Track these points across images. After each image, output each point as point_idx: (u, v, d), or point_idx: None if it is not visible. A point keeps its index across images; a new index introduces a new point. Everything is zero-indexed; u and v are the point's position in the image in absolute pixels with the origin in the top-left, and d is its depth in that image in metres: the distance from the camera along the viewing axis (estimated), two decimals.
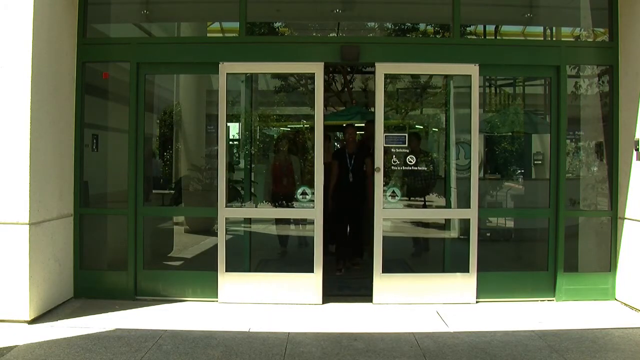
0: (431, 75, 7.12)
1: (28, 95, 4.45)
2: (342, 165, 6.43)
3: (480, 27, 6.93)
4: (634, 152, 5.11)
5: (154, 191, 5.66)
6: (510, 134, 6.07)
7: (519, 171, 8.30)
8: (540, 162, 8.80)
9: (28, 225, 4.45)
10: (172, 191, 8.00)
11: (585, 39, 6.02)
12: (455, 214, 5.98)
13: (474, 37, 6.81)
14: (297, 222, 6.96)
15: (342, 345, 4.09)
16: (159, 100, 5.29)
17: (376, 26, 8.67)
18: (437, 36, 7.31)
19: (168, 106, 8.86)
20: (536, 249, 5.79)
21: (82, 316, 4.69)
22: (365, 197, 6.27)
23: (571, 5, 6.00)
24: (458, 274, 5.30)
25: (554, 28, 6.66)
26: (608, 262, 5.39)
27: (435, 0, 6.07)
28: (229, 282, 5.19)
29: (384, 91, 5.31)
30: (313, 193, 5.28)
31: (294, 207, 5.79)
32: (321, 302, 5.18)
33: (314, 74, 5.31)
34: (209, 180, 6.93)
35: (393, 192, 5.39)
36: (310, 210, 5.30)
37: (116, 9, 5.99)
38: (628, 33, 5.27)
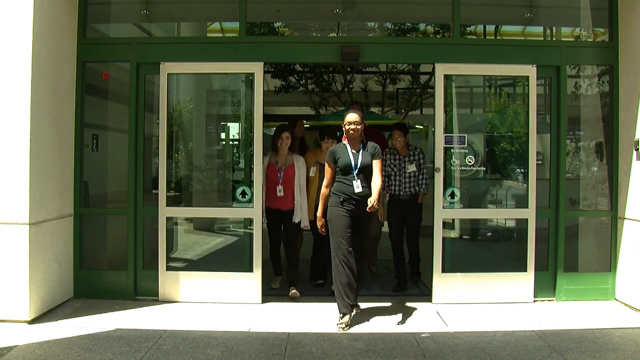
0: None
1: (28, 95, 4.45)
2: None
3: (480, 27, 6.94)
4: (634, 152, 5.11)
5: (153, 191, 5.66)
6: (510, 133, 6.05)
7: (519, 171, 8.27)
8: (540, 162, 8.79)
9: (28, 225, 4.45)
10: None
11: (585, 39, 6.02)
12: (512, 213, 5.94)
13: (474, 37, 6.82)
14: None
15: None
16: (158, 100, 5.27)
17: (376, 26, 8.67)
18: (437, 36, 7.31)
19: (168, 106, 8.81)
20: (536, 248, 5.78)
21: (82, 316, 4.70)
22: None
23: (571, 5, 5.99)
24: (516, 273, 5.32)
25: (554, 28, 6.66)
26: (608, 262, 5.39)
27: (435, 0, 6.07)
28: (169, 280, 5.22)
29: (444, 92, 5.31)
30: (252, 193, 5.28)
31: (232, 207, 5.58)
32: (260, 302, 5.20)
33: (254, 73, 5.28)
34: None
35: (452, 192, 5.37)
36: (250, 209, 5.29)
37: (116, 9, 5.99)
38: (628, 33, 5.27)
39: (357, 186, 4.53)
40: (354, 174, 4.55)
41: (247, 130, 5.56)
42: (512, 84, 6.62)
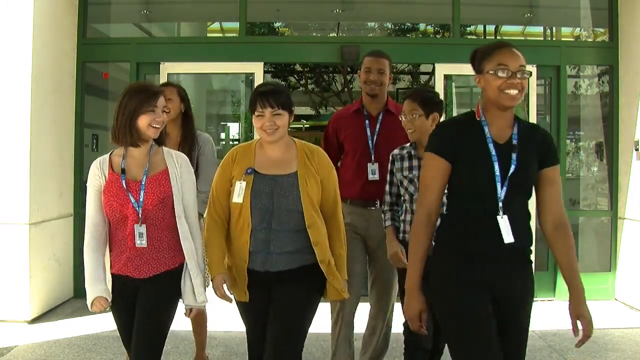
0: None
1: (28, 95, 4.45)
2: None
3: (480, 27, 6.95)
4: (634, 152, 5.12)
5: None
6: None
7: None
8: None
9: (28, 226, 4.45)
10: None
11: (585, 39, 6.02)
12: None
13: (474, 37, 6.82)
14: None
15: None
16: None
17: (376, 26, 8.67)
18: (437, 36, 7.33)
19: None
20: (536, 248, 5.80)
21: (82, 316, 4.68)
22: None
23: (571, 5, 6.00)
24: None
25: (554, 28, 6.67)
26: (608, 262, 5.39)
27: (435, 0, 6.07)
28: None
29: None
30: None
31: None
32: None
33: (254, 73, 5.24)
34: None
35: None
36: None
37: (116, 9, 5.99)
38: (628, 33, 5.27)
39: (507, 228, 1.99)
40: (500, 198, 1.99)
41: (247, 130, 5.57)
42: None
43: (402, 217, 2.97)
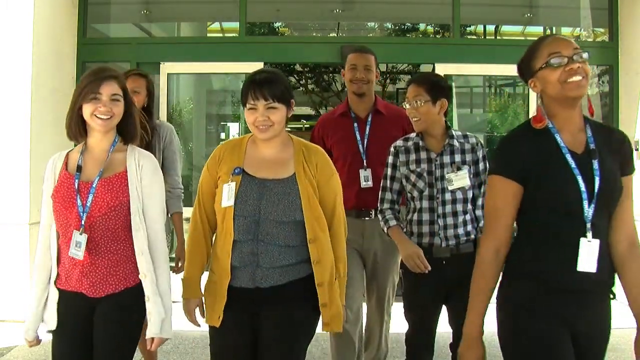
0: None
1: (28, 95, 4.45)
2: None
3: (480, 27, 6.94)
4: (634, 152, 5.11)
5: None
6: None
7: None
8: None
9: (28, 225, 4.45)
10: None
11: (585, 39, 6.02)
12: None
13: (474, 37, 6.82)
14: None
15: None
16: (158, 100, 5.29)
17: (376, 26, 8.67)
18: (437, 36, 7.32)
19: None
20: None
21: None
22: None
23: (571, 5, 6.00)
24: None
25: (554, 28, 6.67)
26: None
27: (435, 0, 6.07)
28: None
29: None
30: None
31: None
32: None
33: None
34: None
35: None
36: None
37: (116, 9, 6.00)
38: (628, 33, 5.27)
39: (593, 254, 1.69)
40: (588, 219, 1.69)
41: (247, 130, 5.56)
42: (512, 84, 6.63)
43: (408, 217, 2.63)
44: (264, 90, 1.98)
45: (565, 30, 6.61)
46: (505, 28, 6.99)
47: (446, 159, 2.55)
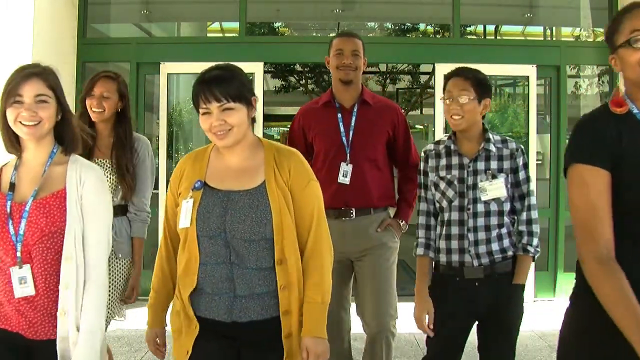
0: None
1: None
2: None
3: (480, 27, 6.95)
4: None
5: (153, 191, 5.66)
6: (510, 133, 6.08)
7: None
8: (540, 162, 8.82)
9: None
10: None
11: (585, 39, 6.02)
12: None
13: (474, 37, 6.83)
14: None
15: None
16: (158, 100, 5.29)
17: (376, 26, 8.67)
18: (437, 36, 7.33)
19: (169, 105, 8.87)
20: None
21: None
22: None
23: (571, 5, 6.00)
24: None
25: (554, 28, 6.67)
26: None
27: (435, 0, 6.07)
28: None
29: None
30: None
31: None
32: None
33: (254, 73, 5.15)
34: None
35: None
36: None
37: (116, 9, 6.00)
38: None
39: None
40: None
41: None
42: (512, 84, 6.64)
43: (437, 231, 2.30)
44: (214, 90, 1.65)
45: (566, 30, 6.62)
46: (505, 28, 7.00)
47: (480, 165, 2.22)
